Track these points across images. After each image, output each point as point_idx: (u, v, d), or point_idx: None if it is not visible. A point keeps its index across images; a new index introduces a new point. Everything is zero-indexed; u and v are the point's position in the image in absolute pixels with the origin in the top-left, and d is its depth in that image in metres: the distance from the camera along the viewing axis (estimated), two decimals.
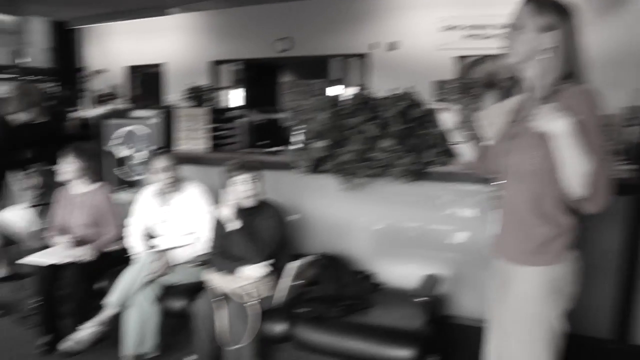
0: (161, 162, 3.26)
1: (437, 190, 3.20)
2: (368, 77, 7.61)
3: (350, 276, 3.16)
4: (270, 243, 2.94)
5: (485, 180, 2.15)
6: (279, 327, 2.83)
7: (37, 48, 8.87)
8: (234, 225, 2.92)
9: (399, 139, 3.06)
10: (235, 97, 9.11)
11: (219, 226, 3.03)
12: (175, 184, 3.32)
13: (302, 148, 3.26)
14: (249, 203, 2.96)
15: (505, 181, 1.93)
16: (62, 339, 3.30)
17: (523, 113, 1.91)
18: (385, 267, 3.34)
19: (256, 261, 2.86)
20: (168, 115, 4.13)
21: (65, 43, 9.81)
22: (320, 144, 3.16)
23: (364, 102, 3.19)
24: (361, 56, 7.88)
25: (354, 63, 8.08)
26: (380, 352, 2.62)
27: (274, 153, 4.05)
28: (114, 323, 3.11)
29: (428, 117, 3.08)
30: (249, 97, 9.05)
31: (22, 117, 4.19)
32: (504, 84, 4.17)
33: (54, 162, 5.16)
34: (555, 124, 1.60)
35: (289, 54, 8.41)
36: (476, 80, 4.80)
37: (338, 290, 2.99)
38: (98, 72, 7.18)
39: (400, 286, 3.18)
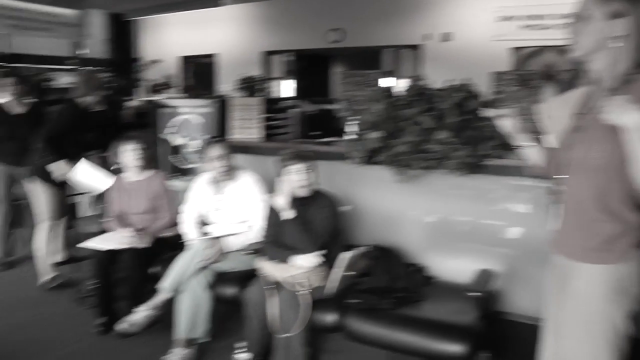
0: (216, 151, 3.30)
1: (491, 184, 3.14)
2: (420, 68, 7.52)
3: (402, 268, 3.14)
4: (324, 233, 2.94)
5: (542, 175, 2.09)
6: (329, 317, 2.84)
7: (95, 40, 9.13)
8: (288, 214, 2.94)
9: (455, 131, 3.01)
10: (287, 88, 9.16)
11: (273, 215, 3.06)
12: (230, 172, 3.36)
13: (356, 139, 3.25)
14: (303, 193, 2.97)
15: (567, 175, 1.87)
16: (118, 321, 3.41)
17: (589, 106, 1.84)
18: (437, 260, 3.29)
19: (309, 251, 2.87)
20: (222, 105, 4.19)
21: (122, 34, 10.08)
22: (374, 135, 3.14)
23: (419, 93, 3.16)
24: (414, 47, 7.79)
25: (406, 54, 8.00)
26: (431, 346, 2.60)
27: (327, 143, 4.05)
28: (167, 307, 3.19)
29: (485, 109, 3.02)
30: (300, 88, 9.09)
31: (87, 101, 4.33)
32: (563, 76, 4.04)
33: (109, 150, 5.33)
34: (628, 117, 1.53)
35: (340, 44, 8.40)
36: (534, 72, 4.69)
37: (390, 282, 2.97)
38: (153, 62, 7.35)
39: (452, 280, 3.13)
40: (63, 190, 4.50)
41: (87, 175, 4.10)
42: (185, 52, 10.16)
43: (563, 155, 1.88)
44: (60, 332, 3.61)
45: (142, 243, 3.47)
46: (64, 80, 7.74)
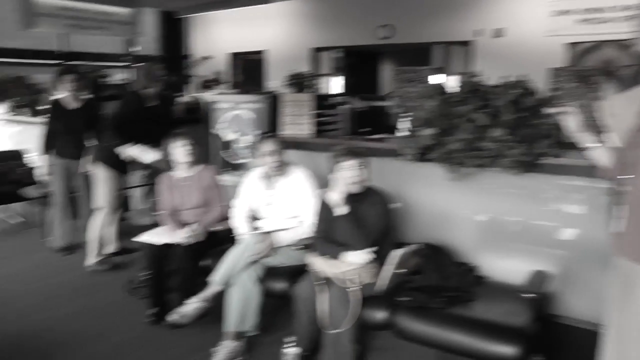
0: (268, 146, 3.33)
1: (545, 183, 3.05)
2: (471, 65, 7.40)
3: (453, 267, 3.10)
4: (375, 230, 2.93)
5: (607, 177, 2.02)
6: (379, 315, 2.83)
7: (147, 37, 9.34)
8: (341, 210, 2.94)
9: (510, 128, 2.94)
10: (335, 84, 9.16)
11: (324, 211, 3.06)
12: (281, 167, 3.38)
13: (408, 136, 3.22)
14: (355, 189, 2.96)
15: (633, 175, 1.80)
16: (169, 312, 3.49)
17: None
18: (489, 260, 3.23)
19: (360, 247, 2.86)
20: (273, 101, 4.22)
21: (173, 32, 10.28)
22: (427, 132, 3.10)
23: (473, 90, 3.10)
24: (464, 44, 7.66)
25: (456, 51, 7.88)
26: (482, 347, 2.55)
27: (378, 140, 4.03)
28: (218, 300, 3.23)
29: (542, 107, 2.95)
30: (348, 85, 9.08)
31: (147, 93, 4.46)
32: (624, 72, 3.90)
33: (159, 144, 5.45)
34: None
35: (390, 41, 8.34)
36: (593, 69, 4.54)
37: (440, 280, 2.94)
38: (204, 58, 7.47)
39: (505, 281, 3.07)
40: (123, 179, 4.65)
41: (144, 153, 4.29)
42: (235, 48, 10.29)
43: (628, 155, 1.82)
44: (112, 321, 3.72)
45: (193, 237, 3.53)
46: (118, 76, 7.97)
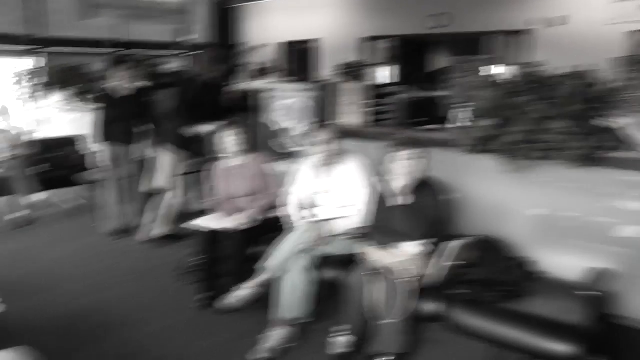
0: (323, 135, 3.32)
1: (607, 178, 2.94)
2: (529, 54, 7.19)
3: (507, 261, 3.03)
4: (432, 221, 2.89)
5: None
6: (432, 307, 2.81)
7: (200, 26, 9.44)
8: (399, 200, 2.91)
9: (572, 120, 2.84)
10: (388, 74, 9.06)
11: (379, 200, 3.04)
12: (336, 156, 3.37)
13: (465, 127, 3.16)
14: (411, 180, 2.92)
15: None
16: (219, 297, 3.55)
17: None
18: (545, 255, 3.14)
19: (415, 238, 2.83)
20: (328, 89, 4.21)
21: (225, 20, 10.36)
22: (485, 123, 3.03)
23: (534, 81, 3.01)
24: (521, 33, 7.45)
25: (513, 40, 7.67)
26: (538, 344, 2.50)
27: (433, 130, 3.97)
28: (269, 287, 3.26)
29: (608, 98, 2.84)
30: (401, 74, 8.96)
31: (209, 76, 4.55)
32: None
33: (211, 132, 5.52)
34: None
35: (444, 30, 8.19)
36: None
37: (495, 274, 2.88)
38: (260, 47, 7.52)
39: (560, 277, 2.99)
40: (186, 163, 4.78)
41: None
42: (287, 37, 10.30)
43: None
44: (162, 304, 3.81)
45: (244, 224, 3.57)
46: (172, 65, 8.12)
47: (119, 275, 4.34)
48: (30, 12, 8.71)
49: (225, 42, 9.02)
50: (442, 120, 4.20)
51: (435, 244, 2.88)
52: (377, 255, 2.91)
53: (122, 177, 5.17)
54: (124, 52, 7.09)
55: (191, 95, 4.77)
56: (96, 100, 5.28)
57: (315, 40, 9.94)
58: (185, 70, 5.89)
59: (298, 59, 10.24)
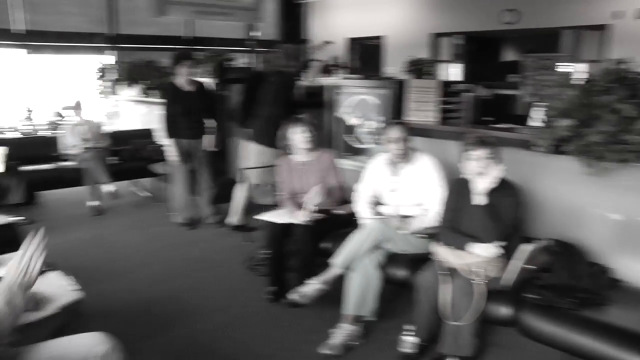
0: (394, 133, 3.28)
1: None
2: (608, 51, 6.87)
3: (585, 267, 2.92)
4: (507, 223, 2.81)
5: None
6: (503, 310, 2.73)
7: (268, 22, 9.54)
8: (473, 200, 2.85)
9: None
10: (455, 71, 8.91)
11: (451, 199, 2.99)
12: (407, 154, 3.33)
13: (543, 126, 3.06)
14: (487, 181, 2.84)
15: None
16: (287, 291, 3.57)
17: None
18: (625, 263, 3.01)
19: (489, 240, 2.76)
20: (398, 87, 4.16)
21: (292, 17, 10.43)
22: (564, 122, 2.93)
23: (619, 79, 2.88)
24: (599, 27, 7.12)
25: (589, 35, 7.35)
26: (618, 356, 2.38)
27: (505, 130, 3.86)
28: (337, 283, 3.26)
29: None
30: (469, 72, 8.79)
31: (290, 71, 4.63)
32: None
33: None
34: None
35: (515, 26, 7.95)
36: None
37: (571, 280, 2.78)
38: (327, 43, 7.52)
39: None
40: (270, 154, 4.91)
41: None
42: (353, 34, 10.29)
43: None
44: (232, 295, 3.88)
45: (312, 219, 3.58)
46: (243, 60, 8.28)
47: (190, 264, 4.46)
48: (103, 11, 9.07)
49: (294, 39, 9.07)
50: (515, 119, 4.09)
51: (509, 247, 2.80)
52: (449, 256, 2.85)
53: (191, 170, 5.29)
54: (191, 48, 7.25)
55: (259, 90, 4.87)
56: (163, 95, 5.43)
57: (381, 37, 9.88)
58: (256, 67, 5.98)
59: (363, 55, 10.22)
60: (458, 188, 2.96)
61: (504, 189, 2.85)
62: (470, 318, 2.68)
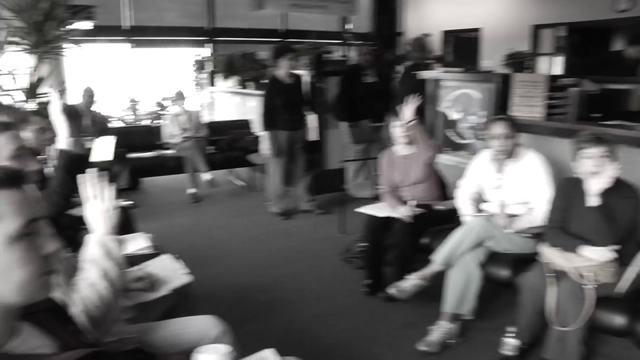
0: (499, 128, 3.16)
1: None
2: None
3: None
4: (623, 227, 2.63)
5: None
6: (617, 319, 2.57)
7: (361, 15, 9.51)
8: (586, 201, 2.70)
9: None
10: (558, 65, 8.48)
11: (560, 199, 2.85)
12: (512, 151, 3.20)
13: None
14: (603, 180, 2.69)
15: None
16: (383, 285, 3.57)
17: None
18: None
19: (604, 243, 2.60)
20: (502, 81, 4.01)
21: (387, 9, 10.32)
22: None
23: None
24: None
25: None
26: None
27: (621, 127, 3.63)
28: (436, 280, 3.21)
29: None
30: (572, 64, 8.32)
31: (421, 63, 4.63)
32: None
33: (379, 120, 5.60)
34: None
35: (629, 14, 7.43)
36: None
37: None
38: (425, 35, 7.37)
39: None
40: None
41: None
42: (448, 26, 10.05)
43: None
44: (330, 286, 3.92)
45: (411, 214, 3.54)
46: (338, 53, 8.31)
47: (286, 254, 4.55)
48: (201, 6, 9.39)
49: (388, 31, 9.00)
50: (626, 115, 3.84)
51: (623, 252, 2.63)
52: (558, 258, 2.72)
53: (288, 162, 5.39)
54: (289, 41, 7.36)
55: (355, 83, 4.91)
56: (263, 87, 5.54)
57: (476, 30, 9.60)
58: (351, 60, 6.00)
59: (459, 48, 9.96)
60: (568, 188, 2.82)
61: (619, 190, 2.67)
62: (579, 324, 2.55)
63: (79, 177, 1.68)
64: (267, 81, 5.37)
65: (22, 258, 1.00)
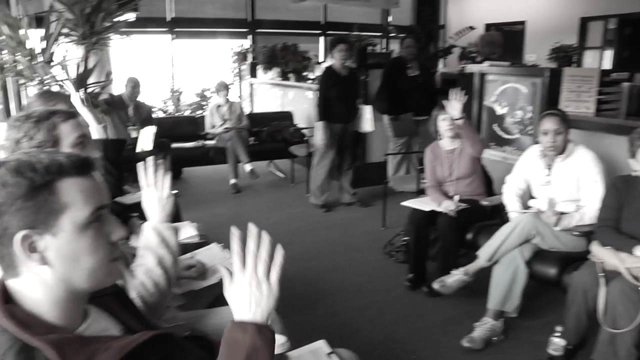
0: (551, 124, 3.08)
1: None
2: None
3: None
4: None
5: None
6: None
7: (403, 7, 9.43)
8: None
9: None
10: (607, 59, 8.24)
11: (611, 197, 2.78)
12: (563, 147, 3.12)
13: None
14: None
15: None
16: (425, 280, 3.55)
17: None
18: None
19: None
20: (550, 75, 3.91)
21: (428, 2, 10.20)
22: None
23: None
24: None
25: None
26: None
27: None
28: (479, 276, 3.18)
29: None
30: (622, 58, 8.05)
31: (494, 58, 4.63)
32: None
33: (421, 114, 5.56)
34: None
35: None
36: None
37: None
38: (470, 28, 7.28)
39: None
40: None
41: None
42: (490, 19, 9.88)
43: None
44: (372, 279, 3.91)
45: (455, 209, 3.50)
46: (380, 46, 8.28)
47: (328, 246, 4.56)
48: None
49: (430, 24, 8.91)
50: None
51: None
52: (611, 258, 2.64)
53: (336, 154, 5.40)
54: (339, 33, 7.34)
55: (398, 76, 4.88)
56: (319, 79, 5.52)
57: (520, 23, 9.41)
58: (394, 53, 5.97)
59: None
60: (623, 186, 2.74)
61: None
62: (631, 326, 2.48)
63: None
64: (325, 73, 5.36)
65: (91, 245, 1.01)
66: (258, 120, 7.01)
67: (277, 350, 1.40)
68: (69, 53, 4.68)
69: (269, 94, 8.77)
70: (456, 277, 3.18)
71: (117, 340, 1.04)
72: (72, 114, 1.84)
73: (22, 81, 4.55)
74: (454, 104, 3.52)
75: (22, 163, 0.97)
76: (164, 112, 8.69)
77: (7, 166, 0.97)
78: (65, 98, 2.58)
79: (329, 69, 5.29)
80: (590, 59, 8.15)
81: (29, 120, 1.76)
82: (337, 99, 5.18)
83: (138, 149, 5.46)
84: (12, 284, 1.01)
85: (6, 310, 0.97)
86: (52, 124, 1.77)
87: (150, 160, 1.74)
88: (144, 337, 1.06)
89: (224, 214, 5.35)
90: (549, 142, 3.08)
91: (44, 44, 4.48)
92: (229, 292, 1.16)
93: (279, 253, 1.19)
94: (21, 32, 4.35)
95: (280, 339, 1.42)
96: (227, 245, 2.63)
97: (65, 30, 4.59)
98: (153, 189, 1.72)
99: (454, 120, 3.57)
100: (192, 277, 2.25)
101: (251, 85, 9.28)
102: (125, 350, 1.00)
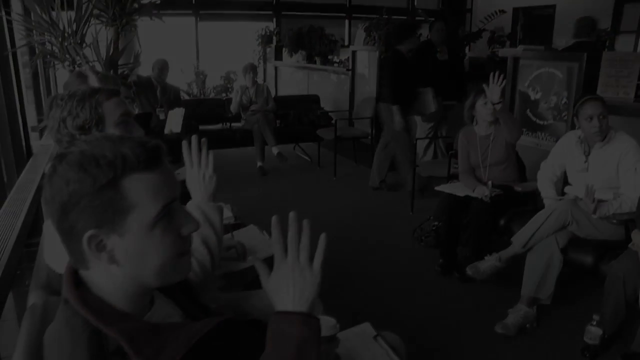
0: (595, 108, 3.00)
1: None
2: None
3: None
4: None
5: None
6: None
7: None
8: None
9: None
10: None
11: None
12: (602, 133, 3.05)
13: None
14: None
15: None
16: (457, 265, 3.52)
17: None
18: None
19: None
20: (586, 59, 3.81)
21: None
22: None
23: None
24: None
25: None
26: None
27: None
28: (513, 262, 3.15)
29: None
30: None
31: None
32: None
33: (449, 99, 5.49)
34: None
35: None
36: None
37: None
38: (501, 12, 7.14)
39: None
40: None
41: None
42: (519, 2, 9.68)
43: None
44: (400, 264, 3.92)
45: (489, 194, 3.47)
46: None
47: (358, 230, 4.56)
48: None
49: (457, 8, 8.78)
50: None
51: None
52: None
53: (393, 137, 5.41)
54: (351, 17, 7.25)
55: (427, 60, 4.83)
56: (388, 62, 5.46)
57: (550, 6, 9.20)
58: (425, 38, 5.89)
59: (531, 25, 9.60)
60: None
61: None
62: None
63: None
64: (394, 56, 5.31)
65: (160, 242, 0.96)
66: (284, 103, 6.99)
67: (329, 332, 1.40)
68: (99, 35, 4.70)
69: (293, 77, 8.73)
70: (489, 262, 3.16)
71: (183, 329, 1.03)
72: (114, 92, 1.83)
73: (56, 62, 4.57)
74: (494, 88, 3.46)
75: (86, 157, 0.91)
76: (189, 94, 8.71)
77: (69, 160, 0.92)
78: (109, 77, 2.58)
79: (398, 53, 5.23)
80: (620, 44, 7.92)
81: (73, 99, 1.75)
82: (405, 82, 5.19)
83: (166, 131, 5.47)
84: (83, 272, 1.00)
85: (78, 296, 0.97)
86: (96, 102, 1.76)
87: (194, 138, 1.73)
88: (209, 326, 1.06)
89: (252, 197, 5.36)
90: (594, 126, 2.99)
91: (74, 26, 4.49)
92: (268, 284, 1.08)
93: (322, 240, 1.12)
94: (53, 13, 4.37)
95: (331, 321, 1.42)
96: (261, 227, 2.65)
97: (95, 12, 4.60)
98: (197, 167, 1.72)
99: (494, 104, 3.51)
100: (233, 258, 2.25)
101: (275, 68, 9.25)
102: (192, 341, 1.00)
